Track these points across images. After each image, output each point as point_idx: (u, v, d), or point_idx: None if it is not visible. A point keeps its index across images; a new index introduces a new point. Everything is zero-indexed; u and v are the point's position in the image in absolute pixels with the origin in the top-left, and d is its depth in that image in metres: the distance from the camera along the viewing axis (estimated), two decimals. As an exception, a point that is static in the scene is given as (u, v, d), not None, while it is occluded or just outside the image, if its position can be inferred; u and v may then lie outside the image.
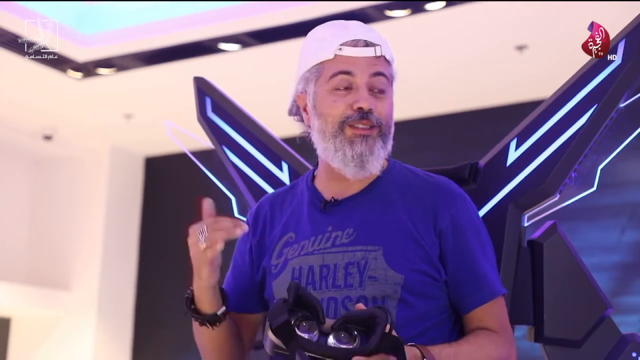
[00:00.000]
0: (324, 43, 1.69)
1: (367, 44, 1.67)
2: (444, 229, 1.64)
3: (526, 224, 1.91)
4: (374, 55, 1.67)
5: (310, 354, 1.41)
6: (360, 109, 1.64)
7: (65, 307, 7.44)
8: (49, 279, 7.58)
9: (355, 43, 1.67)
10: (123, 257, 7.73)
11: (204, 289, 1.62)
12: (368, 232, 1.64)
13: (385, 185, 1.70)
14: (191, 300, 1.65)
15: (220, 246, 1.57)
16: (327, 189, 1.71)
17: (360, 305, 1.49)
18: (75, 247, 7.62)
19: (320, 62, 1.68)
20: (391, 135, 1.69)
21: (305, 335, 1.43)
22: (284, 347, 1.44)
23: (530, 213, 1.91)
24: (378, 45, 1.67)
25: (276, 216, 1.75)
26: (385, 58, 1.68)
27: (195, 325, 1.68)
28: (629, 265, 5.90)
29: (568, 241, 1.88)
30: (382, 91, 1.67)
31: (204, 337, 1.69)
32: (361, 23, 1.72)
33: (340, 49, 1.67)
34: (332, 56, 1.67)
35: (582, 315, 1.86)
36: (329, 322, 1.46)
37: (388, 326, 1.41)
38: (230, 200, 2.24)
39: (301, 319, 1.45)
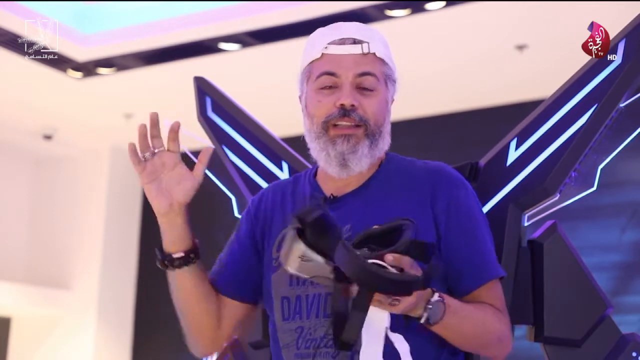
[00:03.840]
0: (314, 43, 1.70)
1: (355, 41, 1.66)
2: (440, 212, 1.63)
3: (526, 224, 1.91)
4: (361, 52, 1.65)
5: (348, 264, 1.36)
6: (342, 105, 1.63)
7: (65, 306, 7.44)
8: (49, 278, 7.58)
9: (342, 41, 1.67)
10: (123, 257, 7.72)
11: (158, 218, 1.64)
12: (365, 228, 1.63)
13: (382, 181, 1.69)
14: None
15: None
16: (327, 185, 1.71)
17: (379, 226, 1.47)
18: (75, 247, 7.62)
19: (310, 63, 1.69)
20: (383, 134, 1.67)
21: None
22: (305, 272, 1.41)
23: (531, 213, 1.91)
24: (366, 42, 1.66)
25: (277, 207, 1.75)
26: (376, 55, 1.67)
27: (169, 275, 1.68)
28: (629, 264, 5.90)
29: (568, 241, 1.88)
30: (369, 89, 1.65)
31: (173, 285, 1.68)
32: (358, 24, 1.71)
33: (326, 47, 1.67)
34: (319, 55, 1.68)
35: (582, 314, 1.86)
36: (349, 242, 1.44)
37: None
38: (230, 199, 2.24)
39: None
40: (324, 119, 1.65)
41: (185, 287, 1.67)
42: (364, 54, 1.66)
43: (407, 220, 1.42)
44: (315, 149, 1.68)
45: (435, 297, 1.48)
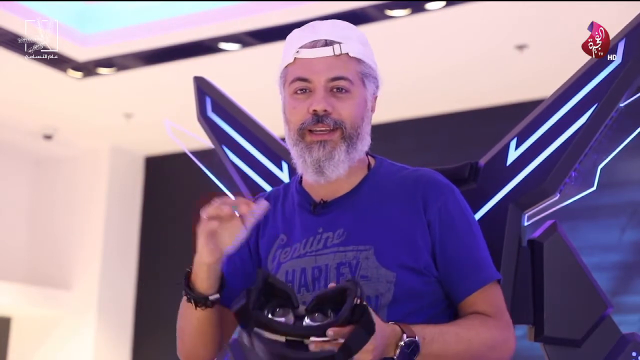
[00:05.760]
0: (288, 47, 1.69)
1: (327, 43, 1.64)
2: (432, 219, 1.63)
3: (526, 224, 1.91)
4: (333, 54, 1.64)
5: (288, 338, 1.40)
6: (314, 112, 1.62)
7: (65, 307, 7.44)
8: (49, 278, 7.58)
9: (313, 44, 1.65)
10: (123, 257, 7.73)
11: (201, 265, 1.58)
12: (358, 232, 1.63)
13: (372, 184, 1.69)
14: (189, 274, 1.61)
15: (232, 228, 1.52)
16: (316, 190, 1.70)
17: (333, 284, 1.46)
18: (75, 247, 7.62)
19: (285, 67, 1.69)
20: (361, 136, 1.65)
21: (282, 320, 1.42)
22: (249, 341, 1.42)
23: (531, 212, 1.91)
24: (338, 43, 1.64)
25: (269, 217, 1.73)
26: (350, 55, 1.65)
27: (183, 302, 1.64)
28: (629, 264, 5.90)
29: (568, 240, 1.88)
30: (344, 90, 1.64)
31: (189, 316, 1.64)
32: (334, 22, 1.69)
33: (298, 51, 1.66)
34: (292, 60, 1.67)
35: (582, 314, 1.86)
36: (303, 307, 1.45)
37: (357, 299, 1.39)
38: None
39: (275, 305, 1.43)
40: (299, 125, 1.64)
41: (210, 321, 1.64)
42: (336, 56, 1.64)
43: (351, 282, 1.42)
44: (294, 155, 1.67)
45: (404, 338, 1.46)
